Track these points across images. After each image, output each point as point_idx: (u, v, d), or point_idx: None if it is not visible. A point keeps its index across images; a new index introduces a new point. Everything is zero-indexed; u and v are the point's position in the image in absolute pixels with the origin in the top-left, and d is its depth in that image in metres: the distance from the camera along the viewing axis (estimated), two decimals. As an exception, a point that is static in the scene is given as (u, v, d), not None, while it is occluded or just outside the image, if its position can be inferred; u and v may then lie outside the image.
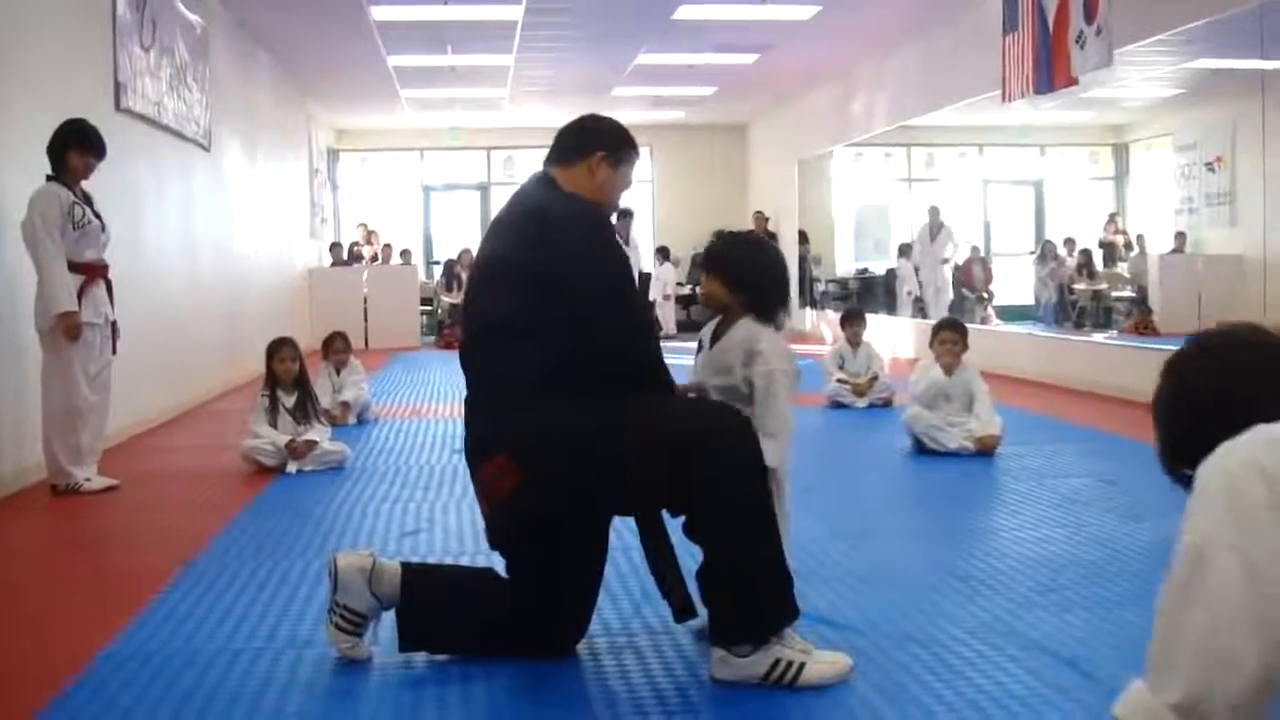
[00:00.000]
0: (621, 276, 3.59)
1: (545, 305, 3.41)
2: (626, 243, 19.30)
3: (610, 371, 3.41)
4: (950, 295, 16.87)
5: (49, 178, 6.46)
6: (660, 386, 3.53)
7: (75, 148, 6.50)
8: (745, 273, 3.82)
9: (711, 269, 3.85)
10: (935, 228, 16.98)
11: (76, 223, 6.42)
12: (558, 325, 3.40)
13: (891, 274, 18.04)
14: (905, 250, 17.71)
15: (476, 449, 3.57)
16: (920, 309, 16.78)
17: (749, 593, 3.34)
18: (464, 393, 3.68)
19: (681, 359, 4.37)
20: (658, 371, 3.54)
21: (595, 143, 3.72)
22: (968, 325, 8.12)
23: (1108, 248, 17.22)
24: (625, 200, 14.88)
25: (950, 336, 7.47)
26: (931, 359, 7.57)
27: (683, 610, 3.52)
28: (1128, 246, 17.01)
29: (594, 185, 3.68)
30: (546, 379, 3.40)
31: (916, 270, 17.28)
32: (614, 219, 15.18)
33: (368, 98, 18.03)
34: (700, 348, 3.91)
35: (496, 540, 3.67)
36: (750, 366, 3.66)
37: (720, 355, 3.75)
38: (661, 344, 3.71)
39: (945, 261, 16.90)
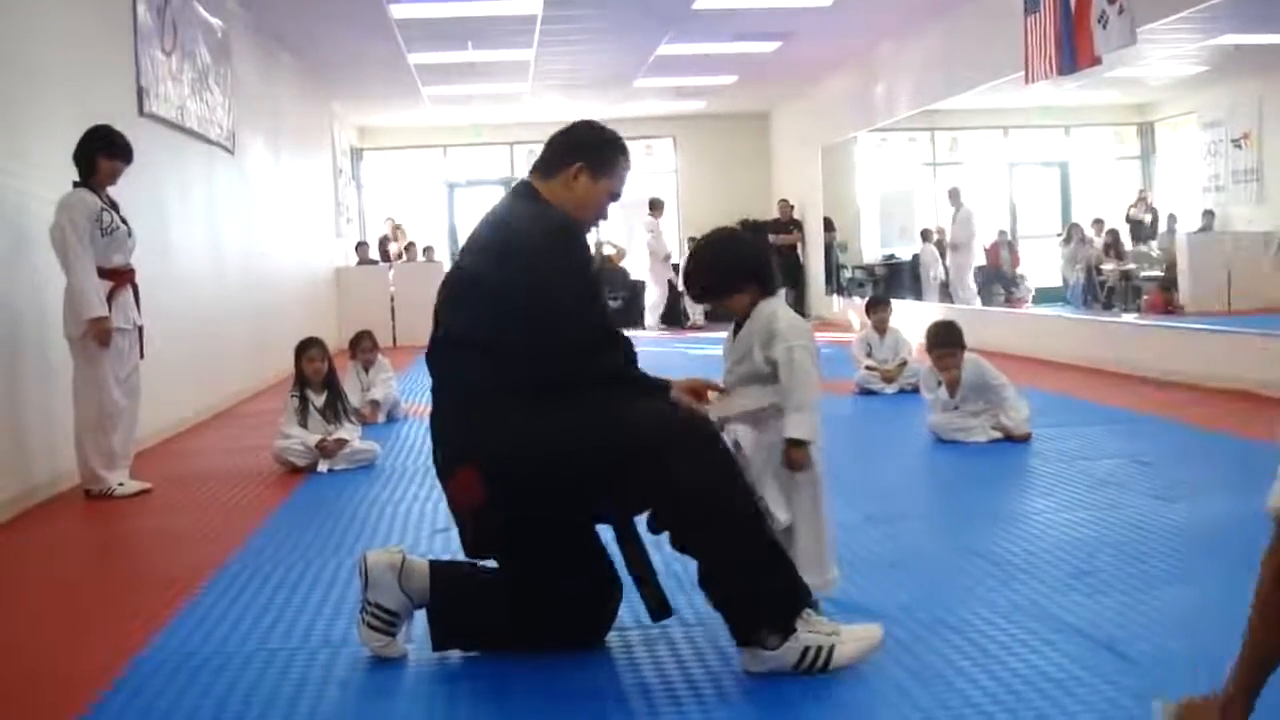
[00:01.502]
0: (583, 295, 3.54)
1: (509, 322, 3.42)
2: (657, 233, 19.26)
3: (576, 382, 3.41)
4: (970, 279, 16.78)
5: (75, 184, 6.49)
6: (628, 387, 3.52)
7: (104, 153, 6.54)
8: (733, 274, 3.85)
9: (717, 295, 3.87)
10: (957, 210, 16.96)
11: (105, 229, 6.45)
12: (521, 341, 3.40)
13: (918, 259, 17.99)
14: (928, 235, 17.66)
15: (444, 462, 3.57)
16: (947, 294, 16.73)
17: (753, 591, 3.34)
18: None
19: (708, 349, 4.33)
20: (625, 378, 3.53)
21: (574, 154, 3.68)
22: (994, 308, 7.99)
23: (1136, 225, 17.12)
24: (654, 190, 14.80)
25: (944, 353, 7.24)
26: (931, 366, 7.41)
27: (659, 609, 3.54)
28: (1155, 224, 16.91)
29: (572, 198, 3.66)
30: (511, 391, 3.41)
31: (942, 254, 17.24)
32: (647, 213, 14.84)
33: (390, 95, 18.05)
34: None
35: (470, 551, 3.68)
36: (770, 347, 3.69)
37: (742, 342, 3.79)
38: (634, 346, 3.67)
39: (955, 248, 16.81)
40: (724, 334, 4.04)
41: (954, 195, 17.02)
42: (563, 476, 3.36)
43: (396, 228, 20.71)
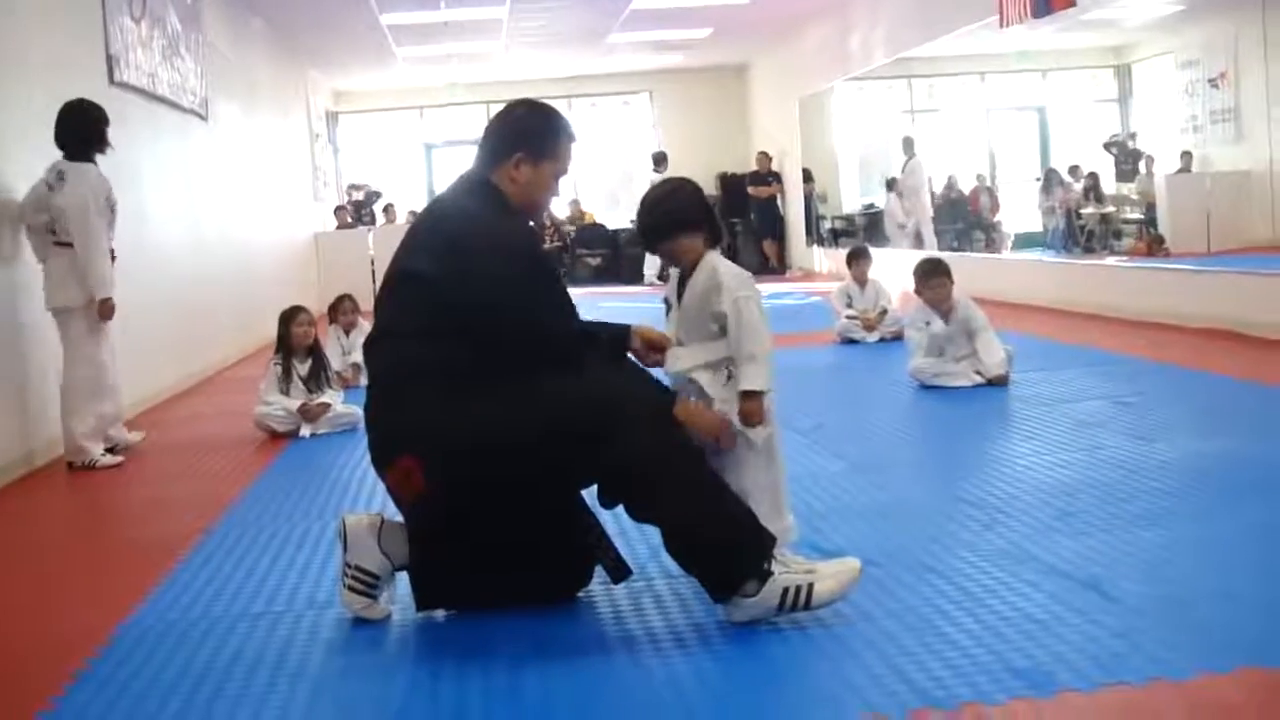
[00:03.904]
0: (528, 300, 3.50)
1: (451, 320, 3.41)
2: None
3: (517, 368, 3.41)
4: (929, 225, 16.94)
5: (81, 159, 6.47)
6: (571, 367, 3.49)
7: (106, 126, 6.63)
8: (679, 219, 3.71)
9: (665, 238, 3.73)
10: (908, 159, 17.08)
11: (113, 206, 6.60)
12: (462, 334, 3.40)
13: (888, 209, 18.06)
14: (892, 184, 17.67)
15: (381, 452, 3.55)
16: (920, 241, 16.79)
17: (719, 544, 3.34)
18: None
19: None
20: (570, 361, 3.50)
21: (512, 143, 3.63)
22: (974, 254, 8.00)
23: (1120, 150, 17.00)
24: (660, 145, 14.91)
25: (938, 280, 7.31)
26: (919, 305, 7.48)
27: (616, 569, 3.61)
28: (1135, 156, 16.83)
29: (517, 189, 3.63)
30: (450, 378, 3.40)
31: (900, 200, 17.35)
32: (651, 169, 14.83)
33: (364, 57, 17.95)
34: (669, 308, 3.81)
35: (414, 535, 3.65)
36: (716, 299, 3.57)
37: (689, 295, 3.66)
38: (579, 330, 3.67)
39: (905, 195, 16.97)
40: None
41: (907, 144, 17.10)
42: (501, 460, 3.35)
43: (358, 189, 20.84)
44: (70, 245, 6.41)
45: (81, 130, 6.52)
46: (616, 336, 3.76)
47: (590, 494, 3.57)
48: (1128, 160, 16.77)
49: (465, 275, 3.42)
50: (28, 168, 6.49)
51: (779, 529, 3.51)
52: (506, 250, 3.51)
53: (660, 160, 19.16)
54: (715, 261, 3.66)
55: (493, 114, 3.83)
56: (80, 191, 6.38)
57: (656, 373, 3.72)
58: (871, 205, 18.90)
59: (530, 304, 3.50)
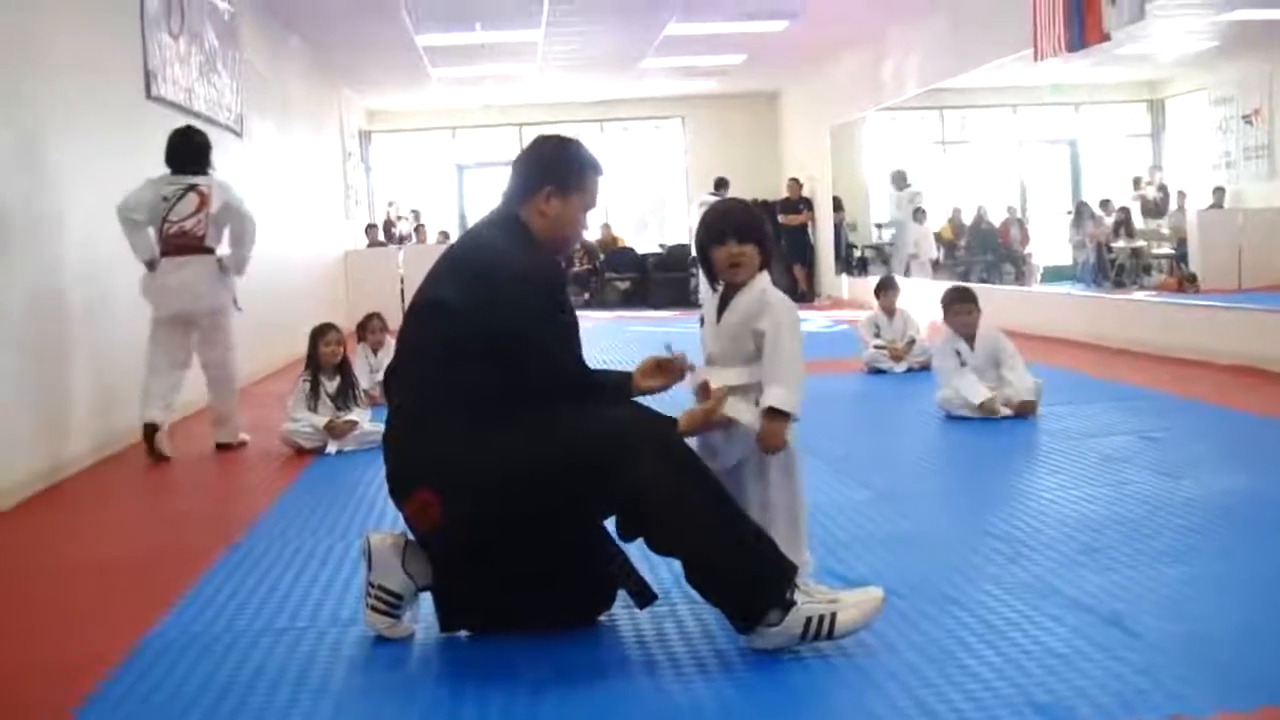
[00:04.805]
0: (546, 335, 3.53)
1: (477, 345, 3.43)
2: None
3: (531, 400, 3.42)
4: (931, 256, 17.30)
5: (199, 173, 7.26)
6: (583, 396, 3.54)
7: (210, 149, 7.43)
8: (761, 226, 3.78)
9: (744, 237, 3.75)
10: (900, 190, 17.29)
11: None
12: (486, 359, 3.42)
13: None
14: (918, 214, 17.73)
15: (399, 482, 3.56)
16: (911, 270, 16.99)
17: (741, 575, 3.34)
18: None
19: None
20: (581, 391, 3.55)
21: (541, 177, 3.67)
22: (1003, 286, 7.99)
23: (1143, 202, 17.04)
24: (720, 170, 14.95)
25: (965, 307, 7.36)
26: (947, 333, 7.48)
27: (640, 595, 3.58)
28: (1161, 200, 16.81)
29: (546, 223, 3.65)
30: (473, 405, 3.41)
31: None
32: (710, 191, 14.89)
33: (398, 78, 18.02)
34: (703, 324, 3.83)
35: (439, 562, 3.66)
36: (760, 320, 3.60)
37: (732, 314, 3.68)
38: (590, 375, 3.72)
39: (898, 227, 17.16)
40: None
41: (898, 178, 17.17)
42: (517, 496, 3.35)
43: (400, 218, 20.88)
44: (209, 251, 7.30)
45: (194, 153, 7.26)
46: (619, 384, 3.78)
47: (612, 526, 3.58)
48: (1153, 205, 16.80)
49: (492, 303, 3.44)
50: (70, 174, 6.55)
51: (797, 564, 3.51)
52: (532, 282, 3.53)
53: (721, 184, 19.14)
54: (765, 284, 3.70)
55: (525, 137, 3.86)
56: (237, 196, 7.47)
57: (672, 396, 3.74)
58: (903, 235, 18.98)
59: (547, 338, 3.52)
